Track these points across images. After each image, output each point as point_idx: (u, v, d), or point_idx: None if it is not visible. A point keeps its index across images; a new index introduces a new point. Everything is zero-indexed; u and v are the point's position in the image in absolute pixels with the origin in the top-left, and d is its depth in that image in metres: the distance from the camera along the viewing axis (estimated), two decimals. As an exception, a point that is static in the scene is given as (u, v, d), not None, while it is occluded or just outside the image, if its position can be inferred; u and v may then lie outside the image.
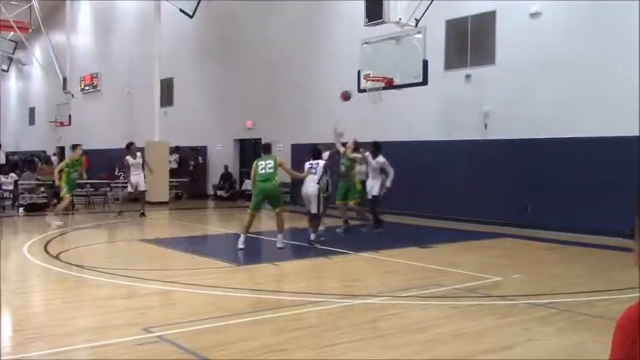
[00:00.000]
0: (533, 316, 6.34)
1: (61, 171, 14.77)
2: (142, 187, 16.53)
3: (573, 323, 6.10)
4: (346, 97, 13.42)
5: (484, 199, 14.42)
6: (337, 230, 12.94)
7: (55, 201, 16.46)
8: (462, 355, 5.09)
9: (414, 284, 7.94)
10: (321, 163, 11.56)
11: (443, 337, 5.58)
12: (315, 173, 11.35)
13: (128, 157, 16.50)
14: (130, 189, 16.92)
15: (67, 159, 15.30)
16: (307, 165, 11.61)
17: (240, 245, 10.58)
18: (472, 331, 5.81)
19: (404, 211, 15.74)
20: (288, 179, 14.60)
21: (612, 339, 1.59)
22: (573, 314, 6.41)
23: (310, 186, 11.33)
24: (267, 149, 11.51)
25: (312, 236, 11.27)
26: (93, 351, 5.14)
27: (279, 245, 10.76)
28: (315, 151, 11.80)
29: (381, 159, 12.91)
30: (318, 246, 11.03)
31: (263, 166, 10.72)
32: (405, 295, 7.27)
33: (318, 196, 11.27)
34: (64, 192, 14.65)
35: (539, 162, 13.48)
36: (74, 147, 15.86)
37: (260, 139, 22.17)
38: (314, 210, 11.33)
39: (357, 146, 13.27)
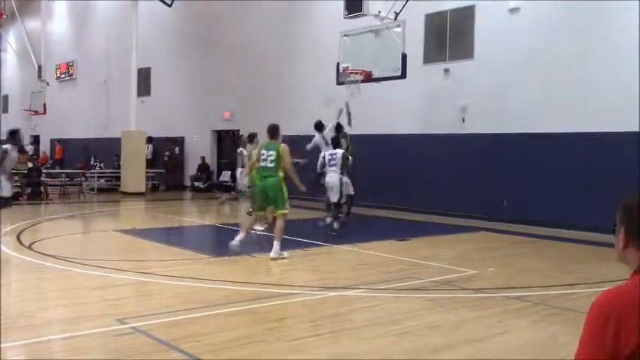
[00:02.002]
0: (507, 309, 6.40)
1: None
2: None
3: (546, 316, 6.18)
4: None
5: (461, 192, 14.51)
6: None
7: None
8: (436, 347, 5.13)
9: (390, 277, 7.98)
10: (339, 152, 11.68)
11: (417, 329, 5.62)
12: (335, 164, 11.53)
13: (241, 150, 14.53)
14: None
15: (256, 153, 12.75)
16: (327, 155, 11.66)
17: (235, 242, 9.14)
18: (446, 323, 5.86)
19: (381, 205, 15.78)
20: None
21: (586, 319, 1.62)
22: (546, 307, 6.49)
23: (333, 176, 11.53)
24: (273, 133, 9.35)
25: (335, 224, 11.52)
26: (67, 342, 5.09)
27: (272, 255, 9.01)
28: (334, 141, 11.90)
29: None
30: (333, 234, 11.37)
31: (265, 156, 9.13)
32: (380, 287, 7.30)
33: (341, 184, 11.56)
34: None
35: (515, 157, 13.59)
36: (251, 137, 13.05)
37: (238, 130, 22.08)
38: (336, 199, 11.57)
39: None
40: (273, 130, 9.35)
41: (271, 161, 9.08)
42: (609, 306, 1.57)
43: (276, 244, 9.09)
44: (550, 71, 13.17)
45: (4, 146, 11.01)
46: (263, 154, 9.16)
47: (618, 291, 1.62)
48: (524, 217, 13.18)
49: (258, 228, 11.83)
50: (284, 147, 9.24)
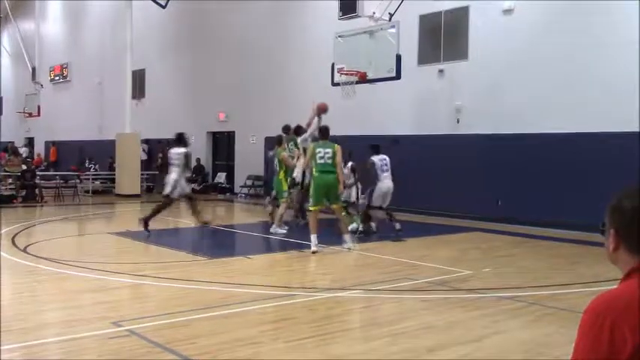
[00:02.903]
0: (501, 309, 6.42)
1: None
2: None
3: (541, 316, 6.20)
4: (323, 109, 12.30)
5: (455, 193, 14.53)
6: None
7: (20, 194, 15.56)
8: (432, 347, 5.13)
9: (386, 278, 7.98)
10: (387, 158, 11.72)
11: (413, 329, 5.62)
12: (388, 169, 11.53)
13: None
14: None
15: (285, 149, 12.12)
16: (378, 161, 11.50)
17: (314, 248, 9.57)
18: (442, 323, 5.87)
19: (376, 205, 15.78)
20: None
21: (579, 325, 1.60)
22: (541, 307, 6.51)
23: (389, 182, 11.50)
24: (326, 134, 10.17)
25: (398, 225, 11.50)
26: (62, 345, 5.08)
27: (350, 247, 9.79)
28: (374, 147, 11.81)
29: None
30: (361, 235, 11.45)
31: (322, 154, 9.73)
32: (376, 288, 7.30)
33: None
34: (285, 194, 12.04)
35: (510, 157, 13.63)
36: (295, 129, 12.47)
37: (233, 131, 22.10)
38: (386, 204, 11.59)
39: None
40: (326, 131, 10.18)
41: (328, 158, 9.72)
42: (603, 311, 1.55)
43: (346, 237, 9.90)
44: (544, 71, 13.21)
45: (185, 150, 11.68)
46: (320, 152, 9.76)
47: (611, 295, 1.59)
48: (519, 217, 13.22)
49: (278, 231, 11.75)
50: (338, 146, 9.93)
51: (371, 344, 5.20)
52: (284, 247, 10.47)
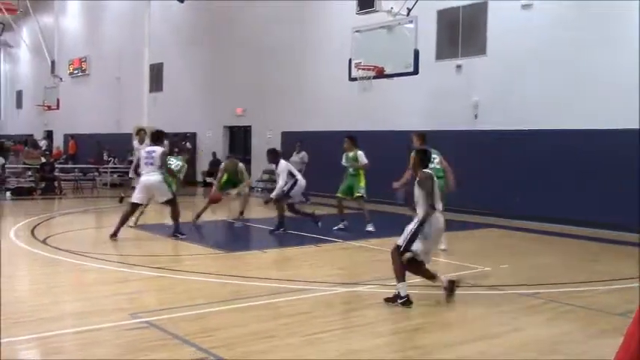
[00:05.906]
0: (519, 306, 6.39)
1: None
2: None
3: (559, 313, 6.16)
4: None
5: (473, 189, 14.41)
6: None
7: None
8: (449, 342, 5.12)
9: (402, 273, 7.95)
10: None
11: (429, 325, 5.61)
12: None
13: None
14: None
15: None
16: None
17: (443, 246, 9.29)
18: (458, 320, 5.85)
19: (393, 201, 15.74)
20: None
21: (633, 319, 1.55)
22: (559, 304, 6.46)
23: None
24: (425, 139, 10.13)
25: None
26: (79, 336, 5.13)
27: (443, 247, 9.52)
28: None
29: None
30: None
31: (438, 160, 9.83)
32: (392, 283, 7.27)
33: None
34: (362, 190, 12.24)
35: (528, 153, 13.52)
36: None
37: (250, 126, 22.15)
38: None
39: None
40: (425, 137, 10.19)
41: (438, 163, 9.86)
42: None
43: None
44: (563, 67, 13.08)
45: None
46: (436, 158, 9.81)
47: None
48: (536, 214, 13.10)
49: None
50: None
51: (387, 339, 5.20)
52: (299, 242, 10.49)
